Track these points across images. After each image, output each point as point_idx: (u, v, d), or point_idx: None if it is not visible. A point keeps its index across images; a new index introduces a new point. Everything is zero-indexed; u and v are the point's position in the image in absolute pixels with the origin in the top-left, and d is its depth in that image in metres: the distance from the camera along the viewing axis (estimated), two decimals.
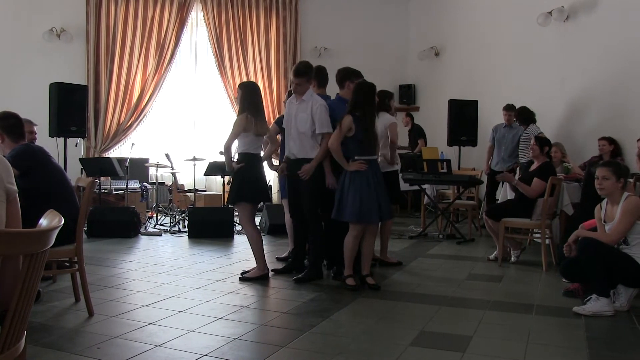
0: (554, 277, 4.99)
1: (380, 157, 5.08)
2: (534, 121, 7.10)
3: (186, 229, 7.29)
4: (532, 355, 3.02)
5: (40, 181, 3.62)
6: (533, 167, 5.64)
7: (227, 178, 7.71)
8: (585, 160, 6.51)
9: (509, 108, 7.37)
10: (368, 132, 4.42)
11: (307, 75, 4.69)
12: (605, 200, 4.05)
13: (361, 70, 5.04)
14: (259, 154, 4.82)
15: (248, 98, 4.68)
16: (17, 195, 1.95)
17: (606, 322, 3.66)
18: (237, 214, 6.12)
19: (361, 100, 4.42)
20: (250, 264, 5.20)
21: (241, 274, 4.80)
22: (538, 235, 5.74)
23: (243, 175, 4.67)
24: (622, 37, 6.54)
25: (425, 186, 7.57)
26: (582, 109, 7.26)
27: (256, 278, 4.69)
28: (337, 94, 5.03)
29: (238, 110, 4.81)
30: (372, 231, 4.54)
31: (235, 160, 4.83)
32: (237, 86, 4.98)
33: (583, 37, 7.17)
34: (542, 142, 5.63)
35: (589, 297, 3.84)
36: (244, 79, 10.10)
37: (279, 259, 5.58)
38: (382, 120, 5.27)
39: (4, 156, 3.22)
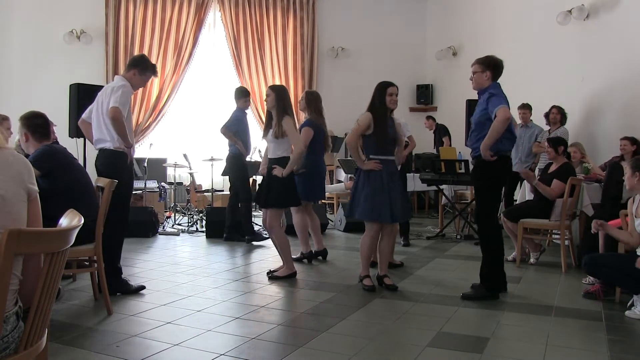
0: (573, 278, 4.92)
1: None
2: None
3: (204, 229, 7.34)
4: (551, 357, 2.98)
5: (60, 182, 3.66)
6: (552, 168, 5.58)
7: None
8: (606, 160, 6.41)
9: (524, 107, 7.29)
10: (385, 132, 4.40)
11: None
12: (638, 195, 3.98)
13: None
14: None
15: (286, 101, 4.67)
16: (38, 195, 1.98)
17: (628, 325, 3.61)
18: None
19: (377, 99, 4.41)
20: (268, 264, 5.23)
21: (269, 272, 4.83)
22: (557, 236, 5.67)
23: (282, 179, 4.61)
24: None
25: (443, 186, 7.53)
26: (602, 108, 7.15)
27: (285, 277, 4.72)
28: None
29: (278, 113, 4.64)
30: (389, 231, 4.52)
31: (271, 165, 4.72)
32: (268, 88, 4.89)
33: (603, 36, 7.06)
34: (555, 142, 5.56)
35: (631, 301, 3.80)
36: (262, 80, 10.14)
37: (293, 259, 5.58)
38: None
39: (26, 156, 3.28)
